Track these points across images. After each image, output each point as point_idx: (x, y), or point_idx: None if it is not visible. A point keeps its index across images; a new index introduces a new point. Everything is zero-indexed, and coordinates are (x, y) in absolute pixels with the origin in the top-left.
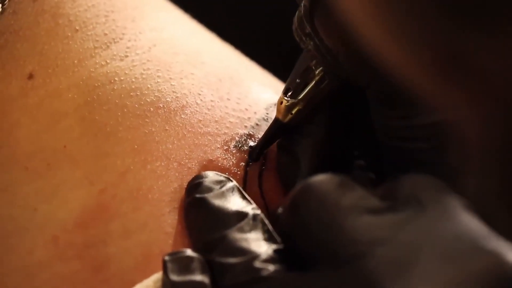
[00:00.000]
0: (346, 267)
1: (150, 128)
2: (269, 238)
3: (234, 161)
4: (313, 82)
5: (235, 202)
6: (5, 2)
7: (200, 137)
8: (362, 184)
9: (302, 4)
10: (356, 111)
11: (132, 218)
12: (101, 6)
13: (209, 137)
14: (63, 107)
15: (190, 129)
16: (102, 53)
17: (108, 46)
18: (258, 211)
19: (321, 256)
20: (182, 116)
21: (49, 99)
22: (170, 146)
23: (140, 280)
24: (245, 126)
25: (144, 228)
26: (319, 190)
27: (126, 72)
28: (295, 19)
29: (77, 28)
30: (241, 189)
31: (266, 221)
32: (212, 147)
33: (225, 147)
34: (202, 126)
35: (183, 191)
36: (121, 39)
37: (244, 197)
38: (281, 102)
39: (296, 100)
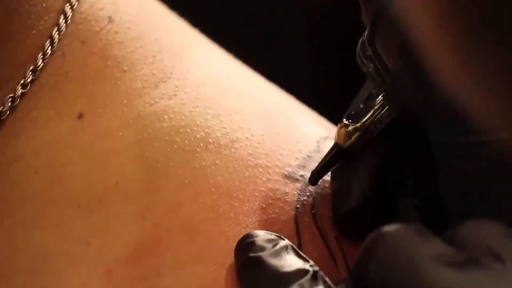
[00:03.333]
0: None
1: (200, 162)
2: None
3: (286, 191)
4: (374, 109)
5: (292, 260)
6: (54, 45)
7: (250, 170)
8: (434, 233)
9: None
10: (413, 142)
11: (185, 250)
12: (149, 47)
13: (260, 169)
14: (114, 145)
15: (240, 162)
16: (151, 92)
17: (156, 86)
18: (317, 268)
19: None
20: (232, 150)
21: (99, 137)
22: (220, 179)
23: None
24: (296, 158)
25: (197, 259)
26: (397, 238)
27: (176, 110)
28: (359, 43)
29: (125, 69)
30: (295, 247)
31: (327, 278)
32: (264, 179)
33: (276, 178)
34: (252, 159)
35: (235, 223)
36: (169, 78)
37: (299, 255)
38: (341, 127)
39: (357, 126)
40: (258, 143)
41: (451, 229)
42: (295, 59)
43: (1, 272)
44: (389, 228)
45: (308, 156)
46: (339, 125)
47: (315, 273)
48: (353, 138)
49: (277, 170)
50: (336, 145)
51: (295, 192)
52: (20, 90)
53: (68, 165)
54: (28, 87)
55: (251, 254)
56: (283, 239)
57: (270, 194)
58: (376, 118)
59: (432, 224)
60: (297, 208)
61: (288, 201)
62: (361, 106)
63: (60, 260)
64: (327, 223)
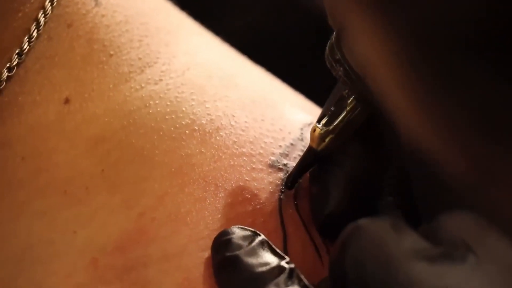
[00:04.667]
0: None
1: (186, 150)
2: None
3: (270, 180)
4: (346, 111)
5: (268, 258)
6: (40, 28)
7: (235, 158)
8: (410, 226)
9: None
10: (389, 140)
11: (171, 241)
12: (135, 31)
13: (245, 158)
14: (100, 131)
15: (225, 151)
16: (137, 77)
17: (142, 71)
18: (293, 265)
19: None
20: (217, 138)
21: (86, 124)
22: (207, 168)
23: None
24: (280, 146)
25: (184, 251)
26: (372, 231)
27: (161, 95)
28: (327, 46)
29: (111, 53)
30: (270, 243)
31: (302, 276)
32: (248, 168)
33: (260, 167)
34: (237, 147)
35: (220, 214)
36: (155, 63)
37: (275, 252)
38: (314, 130)
39: (330, 128)
40: (243, 130)
41: (425, 222)
42: (285, 42)
43: None
44: (364, 222)
45: (292, 144)
46: (311, 128)
47: (291, 271)
48: (326, 141)
49: (261, 159)
50: (310, 149)
51: (279, 182)
52: (6, 74)
53: (54, 152)
54: (14, 71)
55: (228, 254)
56: (259, 235)
57: (255, 184)
58: (348, 120)
59: (414, 219)
60: (280, 199)
61: (272, 191)
62: (332, 108)
63: (46, 250)
64: (310, 214)
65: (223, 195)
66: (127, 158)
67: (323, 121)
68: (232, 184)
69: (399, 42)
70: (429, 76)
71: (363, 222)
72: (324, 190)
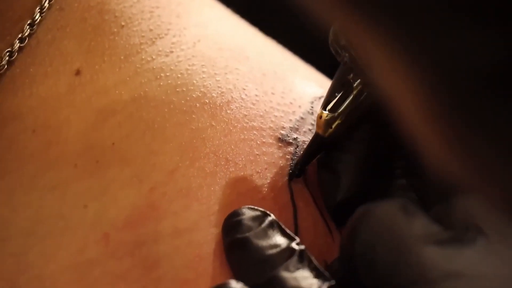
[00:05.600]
0: None
1: (196, 124)
2: (317, 275)
3: (280, 154)
4: (352, 95)
5: (278, 240)
6: None
7: (246, 132)
8: (420, 209)
9: None
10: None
11: (182, 217)
12: (146, 2)
13: (255, 132)
14: (110, 104)
15: (236, 124)
16: (148, 49)
17: (153, 42)
18: (303, 247)
19: (387, 282)
20: (228, 111)
21: (96, 96)
22: (217, 142)
23: (192, 279)
24: (290, 120)
25: (195, 227)
26: (382, 215)
27: (172, 68)
28: (331, 32)
29: (123, 24)
30: (280, 223)
31: (312, 258)
32: (258, 142)
33: (270, 141)
34: (247, 121)
35: (230, 189)
36: (166, 34)
37: (285, 233)
38: (321, 117)
39: (336, 114)
40: (253, 104)
41: (438, 204)
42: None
43: None
44: (374, 205)
45: (302, 117)
46: (317, 114)
47: (301, 253)
48: (333, 127)
49: (271, 133)
50: (317, 135)
51: (289, 157)
52: (18, 45)
53: (65, 125)
54: (25, 42)
55: (238, 236)
56: (269, 215)
57: (265, 158)
58: (355, 105)
59: (427, 201)
60: (290, 173)
61: (282, 166)
62: (337, 94)
63: (57, 224)
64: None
65: (233, 169)
66: (137, 131)
67: (329, 107)
68: (242, 158)
69: (425, 80)
70: (457, 112)
71: (372, 205)
72: (334, 177)
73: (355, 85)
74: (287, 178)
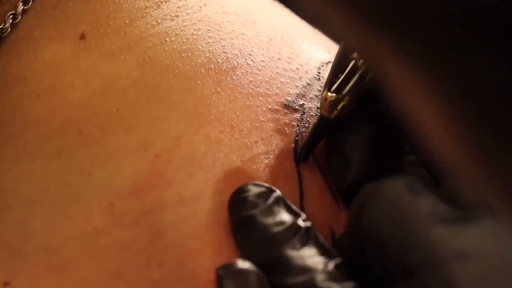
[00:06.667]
0: (427, 274)
1: (202, 90)
2: (324, 253)
3: (286, 121)
4: (357, 76)
5: (283, 216)
6: None
7: (251, 98)
8: (428, 187)
9: None
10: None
11: (188, 185)
12: None
13: (260, 98)
14: (115, 69)
15: (241, 91)
16: (153, 12)
17: (159, 6)
18: (309, 224)
19: (395, 262)
20: (233, 77)
21: (101, 61)
22: (222, 108)
23: (197, 248)
24: (296, 86)
25: (200, 196)
26: (389, 193)
27: (177, 32)
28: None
29: None
30: (286, 199)
31: (319, 234)
32: (264, 108)
33: (276, 108)
34: (253, 87)
35: (235, 156)
36: None
37: (290, 209)
38: (326, 99)
39: (341, 96)
40: (259, 70)
41: (446, 183)
42: None
43: (3, 201)
44: (380, 184)
45: (308, 84)
46: (322, 96)
47: (307, 230)
48: (338, 108)
49: (277, 99)
50: (322, 118)
51: (295, 123)
52: (22, 7)
53: (69, 90)
54: (29, 4)
55: (244, 213)
56: (275, 191)
57: (271, 125)
58: (360, 86)
59: (438, 176)
60: (296, 140)
61: (287, 132)
62: (341, 75)
63: (62, 192)
64: (324, 157)
65: (238, 136)
66: (142, 97)
67: (333, 88)
68: (247, 125)
69: (453, 106)
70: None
71: (379, 183)
72: (343, 159)
73: (359, 64)
74: (293, 145)
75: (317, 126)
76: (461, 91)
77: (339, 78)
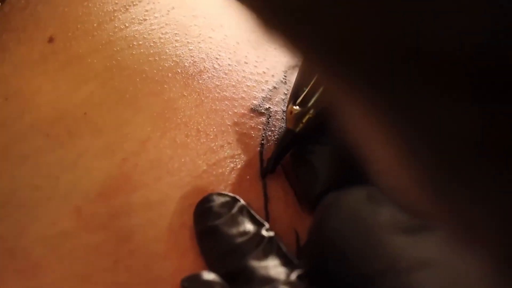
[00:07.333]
0: (388, 284)
1: (169, 94)
2: (287, 263)
3: (252, 125)
4: (322, 88)
5: (247, 226)
6: None
7: (217, 102)
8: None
9: None
10: None
11: (154, 189)
12: None
13: (227, 102)
14: (83, 72)
15: (207, 95)
16: (121, 16)
17: (127, 9)
18: (272, 233)
19: (356, 271)
20: (200, 81)
21: (69, 64)
22: (189, 112)
23: (163, 251)
24: (263, 90)
25: (166, 199)
26: (350, 203)
27: (145, 36)
28: None
29: None
30: (249, 208)
31: (281, 244)
32: (230, 112)
33: (242, 111)
34: (219, 91)
35: (201, 160)
36: (140, 1)
37: (254, 218)
38: (291, 112)
39: (306, 109)
40: (225, 74)
41: None
42: None
43: None
44: (343, 192)
45: (275, 87)
46: (287, 110)
47: (270, 240)
48: (304, 121)
49: (243, 103)
50: (288, 130)
51: (261, 127)
52: None
53: (37, 93)
54: None
55: (209, 223)
56: (239, 200)
57: (237, 129)
58: (324, 99)
59: None
60: (262, 144)
61: (253, 136)
62: (305, 88)
63: (30, 195)
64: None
65: (204, 140)
66: (110, 101)
67: (298, 101)
68: (214, 129)
69: (409, 143)
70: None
71: (341, 193)
72: (310, 170)
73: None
74: (259, 148)
75: (283, 138)
76: (418, 131)
77: (303, 91)
